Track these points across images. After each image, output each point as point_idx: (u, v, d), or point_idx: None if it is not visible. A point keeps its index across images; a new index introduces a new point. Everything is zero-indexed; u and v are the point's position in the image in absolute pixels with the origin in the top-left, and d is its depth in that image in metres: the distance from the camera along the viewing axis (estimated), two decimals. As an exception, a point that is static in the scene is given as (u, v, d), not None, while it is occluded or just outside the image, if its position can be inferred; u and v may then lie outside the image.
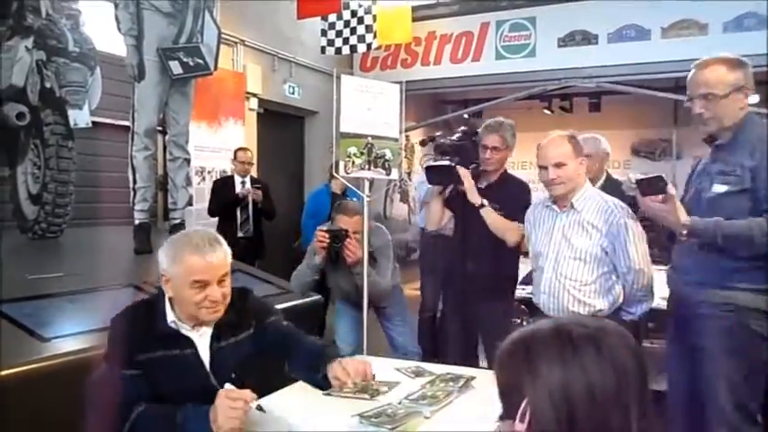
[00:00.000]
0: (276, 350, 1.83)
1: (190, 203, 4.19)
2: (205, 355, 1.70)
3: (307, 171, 6.93)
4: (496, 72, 6.40)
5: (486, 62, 6.47)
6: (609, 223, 2.28)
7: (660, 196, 2.03)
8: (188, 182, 4.05)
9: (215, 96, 5.19)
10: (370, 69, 6.84)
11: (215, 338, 1.71)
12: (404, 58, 6.80)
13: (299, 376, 1.83)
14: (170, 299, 1.67)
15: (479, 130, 3.00)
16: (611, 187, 2.85)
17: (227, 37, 5.21)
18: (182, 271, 1.61)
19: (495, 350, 0.86)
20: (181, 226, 3.89)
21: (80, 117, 3.97)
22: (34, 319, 2.30)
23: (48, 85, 3.85)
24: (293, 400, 1.88)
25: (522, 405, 0.78)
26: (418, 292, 4.78)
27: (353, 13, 5.35)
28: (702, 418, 2.11)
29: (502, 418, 0.82)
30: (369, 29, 5.34)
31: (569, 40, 6.07)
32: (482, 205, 2.81)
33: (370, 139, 3.17)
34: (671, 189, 2.03)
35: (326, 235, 2.99)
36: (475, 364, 2.90)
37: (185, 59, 3.69)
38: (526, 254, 2.72)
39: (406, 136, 7.33)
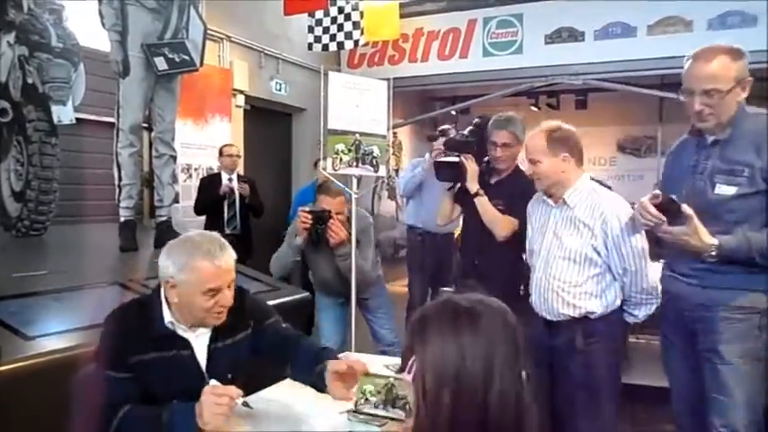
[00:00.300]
0: (276, 353, 1.81)
1: (176, 201, 4.15)
2: (202, 356, 1.68)
3: (294, 169, 6.90)
4: (484, 69, 6.40)
5: (473, 59, 6.46)
6: (601, 221, 2.18)
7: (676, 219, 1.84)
8: (174, 179, 4.01)
9: (201, 93, 5.15)
10: (358, 66, 6.82)
11: (212, 339, 1.69)
12: (391, 55, 6.78)
13: (302, 379, 1.79)
14: (170, 302, 1.63)
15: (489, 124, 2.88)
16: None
17: (213, 33, 5.16)
18: (194, 278, 1.57)
19: None
20: (167, 223, 3.87)
21: (64, 113, 3.92)
22: (18, 318, 2.26)
23: (30, 80, 3.81)
24: (280, 397, 1.87)
25: (410, 361, 0.98)
26: (406, 289, 4.78)
27: (340, 10, 5.32)
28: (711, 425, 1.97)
29: (401, 371, 1.02)
30: (356, 25, 5.32)
31: (556, 37, 6.08)
32: (477, 194, 2.80)
33: (357, 135, 3.17)
34: (687, 209, 1.85)
35: (309, 216, 2.95)
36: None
37: (170, 55, 3.65)
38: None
39: (394, 133, 7.32)
